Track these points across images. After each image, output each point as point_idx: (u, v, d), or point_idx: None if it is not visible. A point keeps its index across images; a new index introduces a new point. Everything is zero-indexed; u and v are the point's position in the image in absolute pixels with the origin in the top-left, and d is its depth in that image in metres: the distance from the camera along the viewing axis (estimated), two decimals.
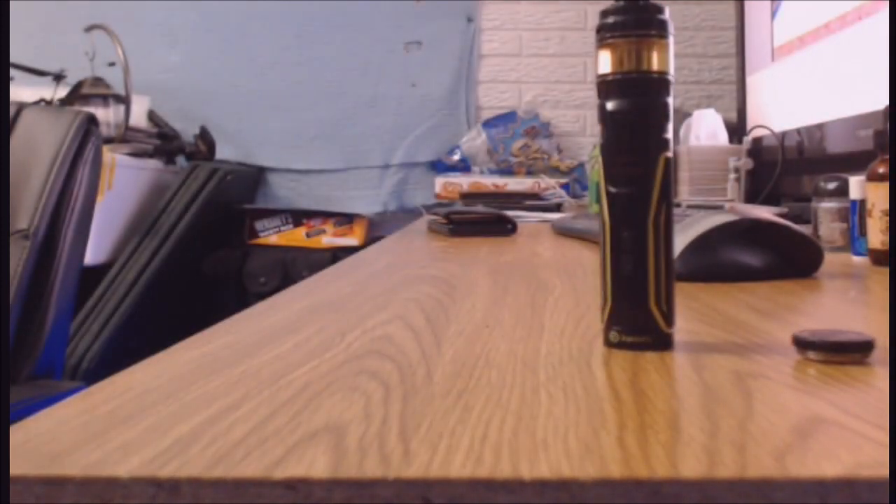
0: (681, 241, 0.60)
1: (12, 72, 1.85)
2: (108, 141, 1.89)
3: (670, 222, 0.35)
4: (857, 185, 0.77)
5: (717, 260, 0.60)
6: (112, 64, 1.99)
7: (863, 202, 0.74)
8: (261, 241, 2.13)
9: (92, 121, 1.04)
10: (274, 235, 2.14)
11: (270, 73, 2.36)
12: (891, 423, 0.24)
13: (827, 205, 0.85)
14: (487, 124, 2.41)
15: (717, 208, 0.72)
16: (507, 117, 2.42)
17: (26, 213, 0.98)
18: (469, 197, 2.02)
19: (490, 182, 2.10)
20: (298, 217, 2.16)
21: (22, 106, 1.05)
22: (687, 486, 0.20)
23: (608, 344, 0.36)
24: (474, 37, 2.42)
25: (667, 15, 0.36)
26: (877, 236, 0.70)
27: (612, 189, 0.35)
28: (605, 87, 0.36)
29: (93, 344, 1.69)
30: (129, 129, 1.95)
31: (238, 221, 2.14)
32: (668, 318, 0.35)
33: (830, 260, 0.67)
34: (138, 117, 2.06)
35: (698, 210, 0.70)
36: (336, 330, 0.41)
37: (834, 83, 1.38)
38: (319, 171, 2.33)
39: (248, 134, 2.32)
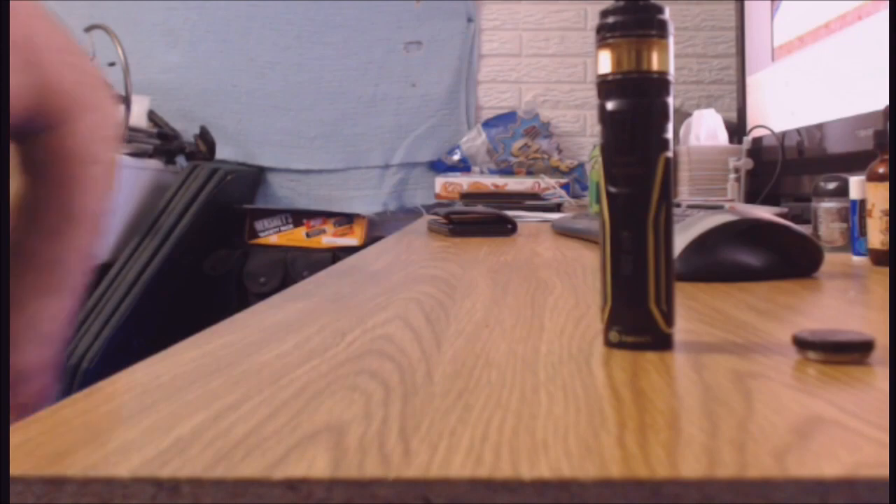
0: (681, 241, 0.60)
1: None
2: None
3: (670, 222, 0.35)
4: (857, 185, 0.77)
5: (717, 260, 0.60)
6: (112, 64, 1.99)
7: (863, 202, 0.74)
8: (261, 241, 2.13)
9: None
10: (274, 235, 2.14)
11: (270, 73, 2.36)
12: (891, 423, 0.24)
13: (827, 205, 0.85)
14: (487, 124, 2.41)
15: (717, 208, 0.72)
16: (507, 117, 2.42)
17: None
18: (469, 197, 2.02)
19: (490, 182, 2.10)
20: (298, 217, 2.16)
21: None
22: (687, 486, 0.20)
23: (608, 344, 0.36)
24: (474, 37, 2.42)
25: (667, 15, 0.36)
26: (877, 236, 0.70)
27: (612, 189, 0.35)
28: (605, 87, 0.36)
29: (93, 344, 1.69)
30: (129, 129, 1.95)
31: (238, 221, 2.14)
32: (668, 318, 0.35)
33: (830, 260, 0.67)
34: (138, 117, 2.06)
35: (698, 210, 0.70)
36: (336, 330, 0.41)
37: (834, 83, 1.38)
38: (319, 171, 2.33)
39: (248, 134, 2.32)
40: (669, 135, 0.36)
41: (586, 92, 2.43)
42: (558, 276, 0.64)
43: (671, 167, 0.35)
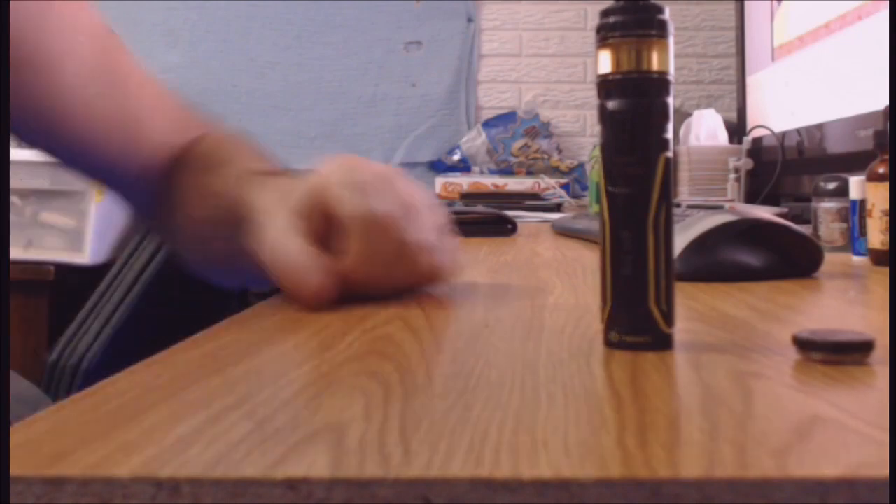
0: (681, 241, 0.60)
1: None
2: None
3: (670, 222, 0.35)
4: (857, 185, 0.77)
5: (717, 260, 0.60)
6: None
7: (863, 202, 0.74)
8: None
9: None
10: None
11: (270, 74, 2.36)
12: (891, 423, 0.24)
13: (827, 205, 0.85)
14: (487, 124, 2.41)
15: (717, 208, 0.72)
16: (507, 117, 2.42)
17: None
18: (469, 197, 2.02)
19: (490, 182, 2.10)
20: None
21: None
22: (687, 486, 0.20)
23: (608, 344, 0.36)
24: (474, 37, 2.42)
25: (667, 15, 0.36)
26: (877, 236, 0.70)
27: (612, 189, 0.35)
28: (605, 87, 0.36)
29: (93, 344, 1.69)
30: None
31: None
32: (668, 318, 0.35)
33: (830, 260, 0.67)
34: None
35: (698, 210, 0.70)
36: (336, 330, 0.41)
37: (834, 83, 1.38)
38: None
39: (248, 134, 2.32)
40: (669, 135, 0.36)
41: (586, 92, 2.43)
42: (558, 276, 0.64)
43: (671, 167, 0.35)
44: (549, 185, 2.09)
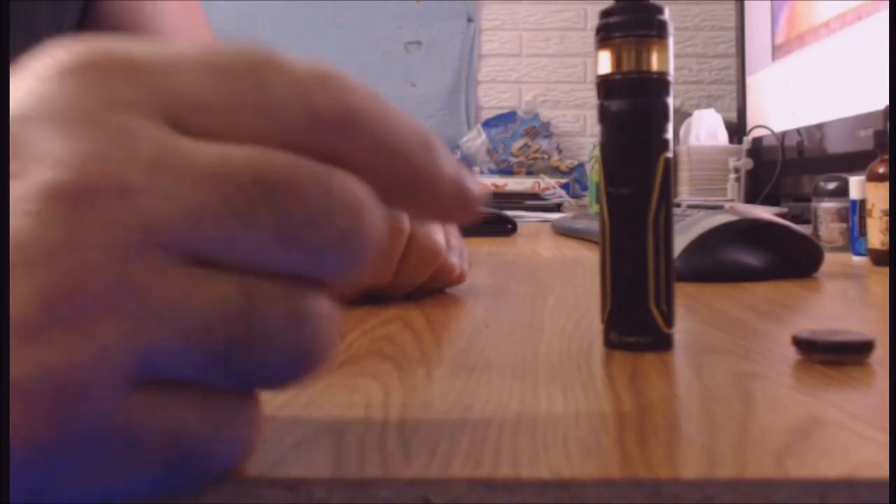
0: (681, 241, 0.60)
1: None
2: None
3: (670, 222, 0.35)
4: (857, 185, 0.77)
5: (717, 260, 0.60)
6: None
7: (863, 202, 0.74)
8: None
9: None
10: None
11: None
12: (891, 423, 0.24)
13: (827, 205, 0.85)
14: (487, 124, 2.41)
15: (717, 208, 0.72)
16: (507, 117, 2.42)
17: None
18: None
19: (490, 182, 2.10)
20: None
21: None
22: (687, 486, 0.20)
23: (608, 344, 0.36)
24: (474, 37, 2.42)
25: (667, 15, 0.36)
26: (877, 236, 0.70)
27: (612, 189, 0.35)
28: (605, 87, 0.36)
29: None
30: None
31: None
32: (668, 318, 0.35)
33: (830, 260, 0.67)
34: None
35: (698, 210, 0.70)
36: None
37: (834, 83, 1.38)
38: None
39: None
40: (669, 135, 0.36)
41: (586, 92, 2.43)
42: (558, 276, 0.64)
43: (671, 167, 0.35)
44: (549, 185, 2.09)
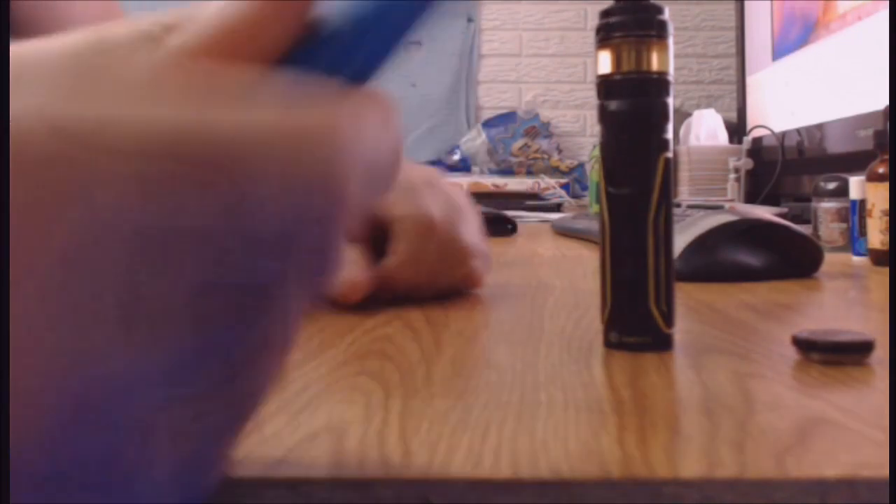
0: (681, 241, 0.60)
1: None
2: None
3: (670, 222, 0.35)
4: (857, 185, 0.77)
5: (717, 260, 0.60)
6: None
7: (863, 202, 0.74)
8: None
9: None
10: None
11: None
12: (891, 423, 0.24)
13: (827, 205, 0.85)
14: (487, 124, 2.41)
15: (717, 208, 0.72)
16: (507, 117, 2.42)
17: None
18: (469, 197, 2.02)
19: (490, 182, 2.10)
20: None
21: None
22: (687, 486, 0.20)
23: (608, 345, 0.36)
24: (474, 37, 2.42)
25: (667, 15, 0.36)
26: (877, 236, 0.70)
27: (612, 189, 0.35)
28: (605, 87, 0.36)
29: None
30: None
31: None
32: (668, 318, 0.35)
33: (830, 260, 0.67)
34: None
35: (698, 210, 0.70)
36: (336, 330, 0.41)
37: (834, 83, 1.38)
38: None
39: None
40: (669, 135, 0.36)
41: (586, 92, 2.43)
42: (558, 276, 0.64)
43: (671, 167, 0.35)
44: (549, 185, 2.09)
